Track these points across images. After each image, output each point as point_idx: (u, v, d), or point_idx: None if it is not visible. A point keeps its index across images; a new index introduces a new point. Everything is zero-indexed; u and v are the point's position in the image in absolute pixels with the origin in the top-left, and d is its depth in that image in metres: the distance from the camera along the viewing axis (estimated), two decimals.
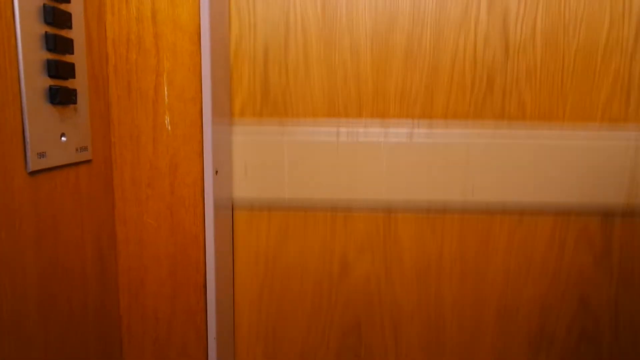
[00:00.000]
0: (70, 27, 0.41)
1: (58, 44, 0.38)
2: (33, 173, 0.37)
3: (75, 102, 0.42)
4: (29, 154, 0.36)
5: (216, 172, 0.52)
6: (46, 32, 0.38)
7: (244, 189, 0.61)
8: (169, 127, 0.50)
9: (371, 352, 0.65)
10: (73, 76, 0.41)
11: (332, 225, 0.62)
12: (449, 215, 0.62)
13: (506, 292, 0.63)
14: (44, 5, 0.37)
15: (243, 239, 0.63)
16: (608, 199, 0.60)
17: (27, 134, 0.36)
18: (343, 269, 0.63)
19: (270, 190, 0.60)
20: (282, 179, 0.60)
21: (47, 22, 0.38)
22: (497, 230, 0.62)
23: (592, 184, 0.59)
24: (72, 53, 0.41)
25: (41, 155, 0.38)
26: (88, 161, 0.46)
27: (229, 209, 0.59)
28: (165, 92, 0.49)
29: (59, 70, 0.39)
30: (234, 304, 0.64)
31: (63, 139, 0.41)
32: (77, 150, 0.43)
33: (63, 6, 0.40)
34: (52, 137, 0.39)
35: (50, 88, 0.38)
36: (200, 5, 0.47)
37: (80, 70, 0.43)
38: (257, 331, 0.65)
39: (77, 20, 0.42)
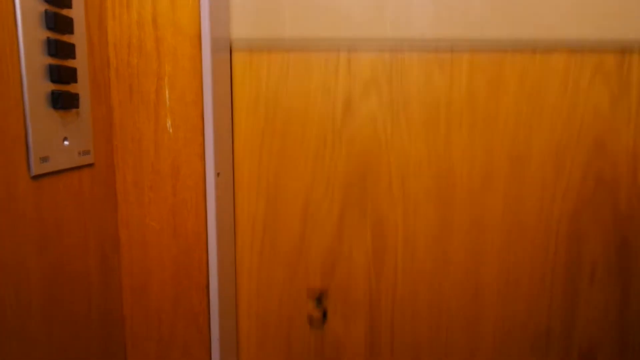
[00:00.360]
0: (71, 32, 0.41)
1: (60, 49, 0.39)
2: (36, 177, 0.38)
3: (77, 107, 0.42)
4: (31, 158, 0.37)
5: (218, 174, 0.52)
6: (48, 37, 0.38)
7: (242, 29, 0.57)
8: (171, 130, 0.50)
9: (378, 204, 0.61)
10: (75, 81, 0.42)
11: (335, 67, 0.58)
12: (458, 54, 0.58)
13: (518, 136, 0.60)
14: (46, 11, 0.38)
15: (242, 83, 0.59)
16: (625, 34, 0.56)
17: (30, 138, 0.37)
18: (347, 110, 0.59)
19: (270, 29, 0.57)
20: (282, 17, 0.57)
21: (49, 27, 0.38)
22: (508, 69, 0.58)
23: (607, 18, 0.56)
24: (74, 58, 0.41)
25: (44, 159, 0.38)
26: (90, 165, 0.46)
27: (231, 215, 0.60)
28: (167, 96, 0.50)
29: (61, 75, 0.39)
30: (233, 167, 0.61)
31: (65, 143, 0.41)
32: (79, 154, 0.43)
33: (64, 11, 0.40)
34: (54, 141, 0.40)
35: (53, 93, 0.39)
36: (201, 8, 0.48)
37: (82, 74, 0.43)
38: (258, 182, 0.61)
39: (79, 25, 0.42)
